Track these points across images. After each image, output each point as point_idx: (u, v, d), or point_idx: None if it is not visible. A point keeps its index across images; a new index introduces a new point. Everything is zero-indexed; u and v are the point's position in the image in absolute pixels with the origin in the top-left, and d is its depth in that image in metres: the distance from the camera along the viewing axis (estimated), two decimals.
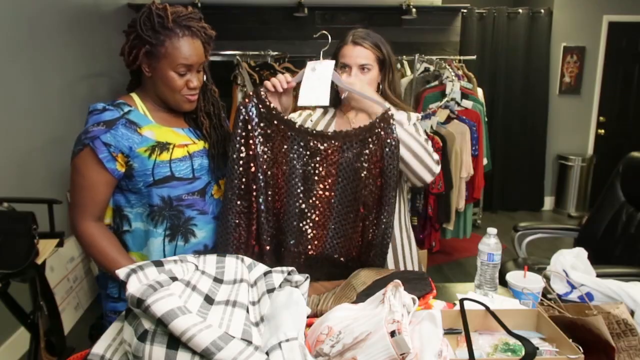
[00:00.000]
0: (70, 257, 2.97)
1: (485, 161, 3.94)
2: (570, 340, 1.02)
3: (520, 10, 5.04)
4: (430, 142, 1.50)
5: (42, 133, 2.78)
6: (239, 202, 1.33)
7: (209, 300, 0.87)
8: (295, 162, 1.34)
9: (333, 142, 1.33)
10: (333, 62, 1.38)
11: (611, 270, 1.77)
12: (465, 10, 4.86)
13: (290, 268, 1.04)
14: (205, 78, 1.36)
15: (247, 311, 0.89)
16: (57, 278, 2.75)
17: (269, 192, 1.36)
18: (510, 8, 5.10)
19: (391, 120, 1.31)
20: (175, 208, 1.30)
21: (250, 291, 0.96)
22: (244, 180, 1.33)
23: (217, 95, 1.42)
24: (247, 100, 1.33)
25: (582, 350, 0.99)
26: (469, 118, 3.68)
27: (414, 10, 4.34)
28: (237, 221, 1.34)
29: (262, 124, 1.33)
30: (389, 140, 1.31)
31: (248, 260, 1.03)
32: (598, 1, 4.99)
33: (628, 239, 2.15)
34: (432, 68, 3.95)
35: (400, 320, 0.91)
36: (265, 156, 1.34)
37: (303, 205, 1.36)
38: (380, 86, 1.52)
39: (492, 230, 1.29)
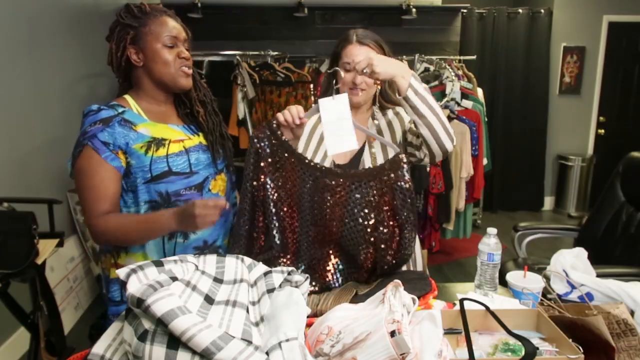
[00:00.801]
0: (70, 257, 2.97)
1: (485, 161, 3.94)
2: (570, 340, 1.02)
3: (520, 10, 5.05)
4: None
5: (42, 133, 2.78)
6: (247, 228, 1.34)
7: (209, 300, 0.87)
8: (305, 195, 1.32)
9: (341, 180, 1.30)
10: (346, 95, 1.32)
11: (611, 270, 1.77)
12: (465, 10, 4.86)
13: (290, 268, 1.04)
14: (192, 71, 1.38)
15: (247, 311, 0.89)
16: (57, 278, 2.75)
17: (278, 224, 1.34)
18: (510, 8, 5.11)
19: (402, 164, 1.27)
20: (174, 204, 1.31)
21: (250, 291, 0.96)
22: (255, 209, 1.33)
23: (205, 84, 1.46)
24: (259, 132, 1.32)
25: (582, 350, 0.99)
26: (469, 118, 3.68)
27: (414, 10, 4.34)
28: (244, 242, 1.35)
29: (273, 156, 1.32)
30: (400, 183, 1.27)
31: (248, 260, 1.03)
32: (598, 1, 4.99)
33: (628, 239, 2.15)
34: (432, 68, 3.95)
35: (400, 320, 0.91)
36: (275, 189, 1.32)
37: (311, 239, 1.34)
38: (380, 86, 1.52)
39: (492, 230, 1.29)
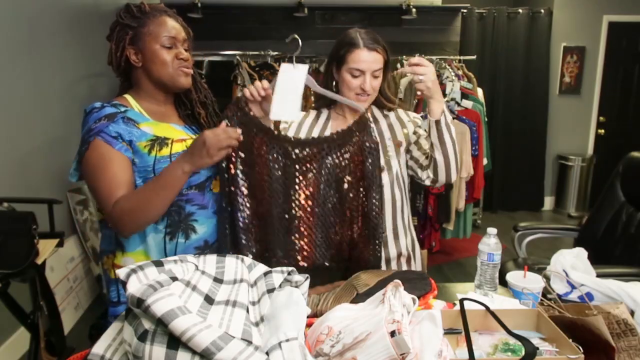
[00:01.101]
0: (70, 257, 2.97)
1: (485, 161, 3.94)
2: (570, 340, 1.02)
3: (520, 10, 5.05)
4: None
5: (42, 133, 2.78)
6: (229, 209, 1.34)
7: (209, 300, 0.87)
8: (275, 171, 1.32)
9: (313, 149, 1.31)
10: (307, 67, 1.32)
11: (611, 270, 1.77)
12: (465, 10, 4.86)
13: (290, 268, 1.04)
14: (193, 72, 1.38)
15: (247, 311, 0.89)
16: (57, 278, 2.75)
17: (250, 203, 1.33)
18: (510, 8, 5.11)
19: (368, 123, 1.31)
20: (175, 204, 1.30)
21: (250, 291, 0.96)
22: (232, 188, 1.33)
23: (206, 87, 1.46)
24: (229, 110, 1.31)
25: (582, 350, 0.99)
26: (469, 118, 3.68)
27: (414, 10, 4.34)
28: (227, 226, 1.35)
29: (243, 134, 1.29)
30: (367, 144, 1.30)
31: (248, 260, 1.03)
32: (598, 1, 4.99)
33: (628, 239, 2.15)
34: None
35: (400, 320, 0.91)
36: (245, 165, 1.31)
37: (286, 216, 1.35)
38: (380, 85, 1.51)
39: (492, 230, 1.29)
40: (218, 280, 0.94)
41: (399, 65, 4.17)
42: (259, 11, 4.43)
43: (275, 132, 1.32)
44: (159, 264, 0.87)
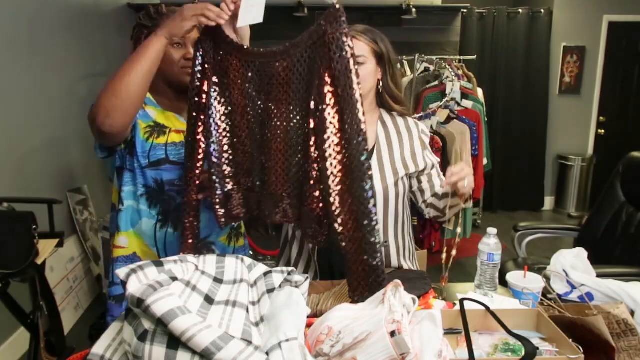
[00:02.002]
0: (70, 257, 2.97)
1: (485, 161, 3.94)
2: (570, 340, 1.02)
3: (520, 10, 5.05)
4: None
5: (42, 133, 2.78)
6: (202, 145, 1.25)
7: (209, 300, 0.87)
8: (249, 94, 1.21)
9: (282, 55, 1.16)
10: None
11: (611, 270, 1.77)
12: (465, 10, 4.86)
13: (290, 268, 1.04)
14: None
15: (247, 311, 0.89)
16: (57, 278, 2.75)
17: (225, 133, 1.24)
18: (510, 8, 5.11)
19: (337, 13, 1.12)
20: (167, 193, 1.35)
21: (250, 291, 0.96)
22: (201, 117, 1.23)
23: None
24: (202, 35, 1.22)
25: (582, 350, 0.99)
26: (469, 118, 3.68)
27: (414, 10, 4.35)
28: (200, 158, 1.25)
29: (216, 60, 1.22)
30: (337, 35, 1.10)
31: (248, 260, 1.03)
32: (598, 1, 4.99)
33: (628, 239, 2.15)
34: (432, 68, 3.96)
35: (400, 320, 0.91)
36: (219, 91, 1.22)
37: (259, 138, 1.23)
38: (382, 82, 1.45)
39: (492, 230, 1.29)
40: (218, 280, 0.94)
41: (399, 65, 4.18)
42: None
43: (246, 47, 1.21)
44: (159, 264, 0.87)
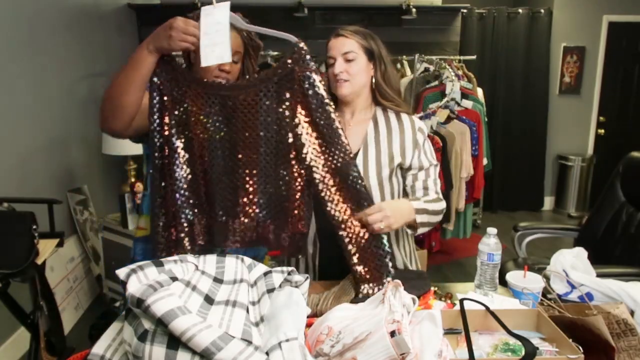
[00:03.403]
0: (70, 257, 2.97)
1: (485, 161, 3.94)
2: (570, 340, 1.02)
3: (520, 10, 5.04)
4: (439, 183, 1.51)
5: (42, 133, 2.78)
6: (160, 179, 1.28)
7: (209, 300, 0.87)
8: (210, 125, 1.24)
9: (247, 90, 1.21)
10: (228, 4, 1.20)
11: (611, 270, 1.77)
12: (465, 10, 4.86)
13: (290, 268, 1.04)
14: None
15: (247, 311, 0.89)
16: (57, 278, 2.75)
17: (187, 164, 1.26)
18: (510, 8, 5.10)
19: (302, 52, 1.21)
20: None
21: (250, 291, 0.96)
22: (165, 149, 1.26)
23: None
24: (157, 67, 1.23)
25: (582, 350, 0.99)
26: (469, 118, 3.68)
27: (414, 10, 4.34)
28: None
29: (174, 88, 1.24)
30: (307, 73, 1.20)
31: (248, 260, 1.03)
32: (598, 1, 4.99)
33: (628, 239, 2.15)
34: (432, 68, 3.95)
35: (400, 320, 0.91)
36: (179, 124, 1.25)
37: (223, 168, 1.26)
38: (374, 79, 1.46)
39: (492, 230, 1.29)
40: (218, 280, 0.94)
41: (399, 65, 4.18)
42: (259, 11, 4.41)
43: (206, 81, 1.24)
44: (159, 264, 0.87)
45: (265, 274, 1.01)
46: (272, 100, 1.22)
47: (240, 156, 1.25)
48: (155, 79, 1.23)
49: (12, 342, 2.43)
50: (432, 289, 1.33)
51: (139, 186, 2.98)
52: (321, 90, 1.21)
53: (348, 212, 1.27)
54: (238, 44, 1.36)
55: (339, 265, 1.41)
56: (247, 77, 1.28)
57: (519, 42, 5.07)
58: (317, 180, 1.25)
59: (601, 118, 5.28)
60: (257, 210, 1.27)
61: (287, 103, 1.21)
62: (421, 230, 1.40)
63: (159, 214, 1.28)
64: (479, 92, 4.22)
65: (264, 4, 4.40)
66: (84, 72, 3.29)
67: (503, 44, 5.07)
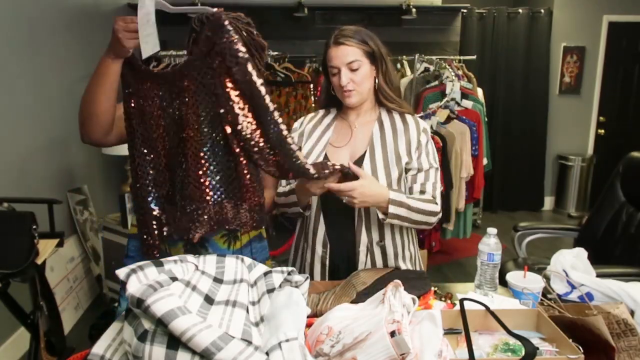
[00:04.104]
0: (70, 257, 2.97)
1: (485, 161, 3.94)
2: (570, 340, 1.02)
3: (520, 10, 5.05)
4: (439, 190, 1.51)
5: (42, 133, 2.78)
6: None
7: (209, 300, 0.87)
8: (164, 109, 1.25)
9: (185, 72, 1.20)
10: None
11: (611, 270, 1.77)
12: (465, 10, 4.86)
13: (290, 268, 1.04)
14: None
15: (247, 311, 0.89)
16: (57, 278, 2.75)
17: (147, 151, 1.27)
18: (510, 8, 5.11)
19: (221, 22, 1.13)
20: None
21: (250, 291, 0.96)
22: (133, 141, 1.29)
23: None
24: (123, 71, 1.25)
25: (582, 350, 0.99)
26: (469, 118, 3.68)
27: (414, 10, 4.34)
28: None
29: (139, 86, 1.25)
30: (228, 45, 1.13)
31: (248, 260, 1.03)
32: (598, 1, 4.99)
33: (628, 239, 2.15)
34: (432, 68, 3.96)
35: (400, 320, 0.91)
36: (138, 114, 1.25)
37: (174, 153, 1.26)
38: (376, 80, 1.45)
39: (492, 230, 1.29)
40: (218, 280, 0.94)
41: (399, 65, 4.18)
42: (259, 11, 4.42)
43: (156, 72, 1.24)
44: (159, 264, 0.87)
45: (265, 274, 1.01)
46: (205, 77, 1.19)
47: (187, 139, 1.23)
48: (126, 90, 1.25)
49: (12, 342, 2.43)
50: (432, 289, 1.33)
51: None
52: (243, 61, 1.13)
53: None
54: None
55: (347, 265, 1.44)
56: (185, 59, 1.24)
57: (519, 42, 5.07)
58: (256, 153, 1.22)
59: (601, 118, 5.28)
60: (211, 194, 1.26)
61: (217, 78, 1.17)
62: (394, 222, 1.38)
63: (138, 210, 1.30)
64: (479, 92, 4.22)
65: (264, 4, 4.40)
66: (84, 72, 3.28)
67: (503, 44, 5.07)
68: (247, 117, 1.18)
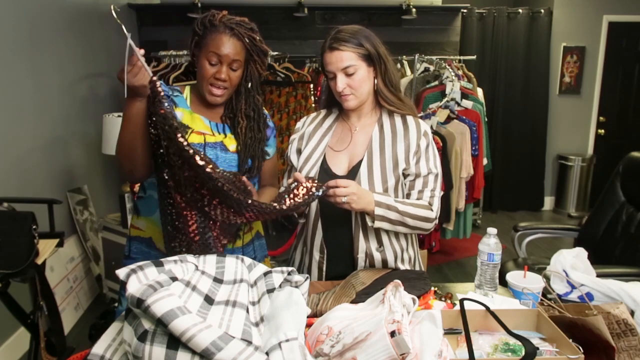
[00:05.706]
0: (70, 257, 2.97)
1: (485, 161, 3.94)
2: (570, 340, 1.02)
3: (520, 10, 5.05)
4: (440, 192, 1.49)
5: (42, 133, 2.78)
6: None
7: (209, 300, 0.88)
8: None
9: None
10: (129, 35, 1.21)
11: (611, 270, 1.78)
12: (465, 10, 4.86)
13: (290, 268, 1.04)
14: (249, 85, 1.44)
15: (247, 311, 0.89)
16: (57, 278, 2.75)
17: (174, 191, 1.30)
18: (510, 8, 5.11)
19: (157, 89, 1.19)
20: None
21: (250, 291, 0.96)
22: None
23: (260, 104, 1.50)
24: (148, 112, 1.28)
25: (582, 350, 0.99)
26: (469, 118, 3.68)
27: (414, 10, 4.35)
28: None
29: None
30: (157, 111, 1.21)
31: (248, 260, 1.03)
32: (598, 1, 4.99)
33: (628, 239, 2.15)
34: (432, 68, 3.96)
35: (400, 320, 0.91)
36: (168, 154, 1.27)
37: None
38: (375, 82, 1.43)
39: (492, 230, 1.29)
40: (218, 281, 0.94)
41: (399, 65, 4.18)
42: (259, 11, 4.43)
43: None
44: (159, 264, 0.87)
45: (265, 274, 1.01)
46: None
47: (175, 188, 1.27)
48: (152, 130, 1.27)
49: (12, 342, 2.43)
50: (432, 289, 1.33)
51: (139, 186, 2.98)
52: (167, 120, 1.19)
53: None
54: (237, 51, 1.35)
55: (345, 270, 1.42)
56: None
57: (519, 42, 5.07)
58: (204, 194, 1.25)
59: (601, 118, 5.28)
60: (198, 235, 1.29)
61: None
62: (382, 225, 1.35)
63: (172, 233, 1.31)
64: (479, 92, 4.22)
65: (264, 4, 4.40)
66: (84, 72, 3.29)
67: (503, 44, 5.07)
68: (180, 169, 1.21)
